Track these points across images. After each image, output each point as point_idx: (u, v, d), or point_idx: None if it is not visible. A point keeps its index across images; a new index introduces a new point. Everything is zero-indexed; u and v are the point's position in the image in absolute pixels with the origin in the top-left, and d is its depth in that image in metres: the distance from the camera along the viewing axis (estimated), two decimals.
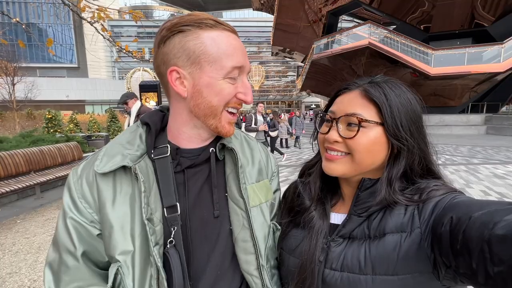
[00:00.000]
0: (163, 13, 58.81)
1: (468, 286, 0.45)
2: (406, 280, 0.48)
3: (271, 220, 0.66)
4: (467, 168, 6.61)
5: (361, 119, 0.54)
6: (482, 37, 14.49)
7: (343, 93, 0.61)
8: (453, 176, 5.77)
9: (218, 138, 0.64)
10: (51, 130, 7.89)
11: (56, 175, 4.55)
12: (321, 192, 0.64)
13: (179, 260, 0.53)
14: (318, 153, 0.68)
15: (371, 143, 0.55)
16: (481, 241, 0.36)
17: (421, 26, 16.86)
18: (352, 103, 0.57)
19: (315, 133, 0.68)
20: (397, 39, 14.20)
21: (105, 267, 0.56)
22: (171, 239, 0.54)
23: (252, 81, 49.32)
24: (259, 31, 53.47)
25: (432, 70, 13.56)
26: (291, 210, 0.67)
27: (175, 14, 56.94)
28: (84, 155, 5.77)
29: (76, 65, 41.87)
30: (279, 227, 0.67)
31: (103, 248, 0.55)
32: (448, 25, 15.72)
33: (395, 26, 16.63)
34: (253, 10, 26.41)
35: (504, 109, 16.73)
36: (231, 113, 0.59)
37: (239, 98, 0.57)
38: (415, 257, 0.47)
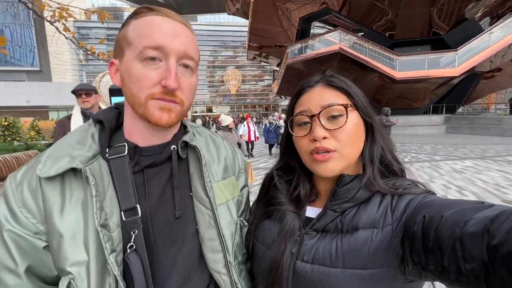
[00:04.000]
0: None
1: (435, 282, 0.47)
2: (374, 274, 0.49)
3: (238, 217, 0.65)
4: (430, 164, 7.13)
5: (346, 104, 0.55)
6: (439, 44, 15.84)
7: (306, 92, 0.61)
8: (418, 172, 6.20)
9: (179, 136, 0.61)
10: (8, 139, 7.23)
11: None
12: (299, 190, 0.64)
13: (141, 265, 0.49)
14: (280, 159, 0.69)
15: (355, 128, 0.56)
16: (453, 239, 0.38)
17: (386, 33, 18.02)
18: (322, 96, 0.57)
19: (284, 144, 0.68)
20: (366, 45, 15.03)
21: (53, 282, 0.50)
22: (131, 243, 0.50)
23: (229, 85, 49.29)
24: (235, 36, 53.63)
25: (397, 74, 14.51)
26: (267, 201, 0.67)
27: None
28: None
29: (38, 68, 38.88)
30: (246, 223, 0.66)
31: (51, 261, 0.49)
32: (410, 32, 16.98)
33: (363, 33, 17.60)
34: (228, 14, 26.51)
35: (460, 109, 18.33)
36: (160, 99, 0.52)
37: (162, 84, 0.50)
38: (385, 253, 0.49)
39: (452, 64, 13.95)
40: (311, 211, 0.61)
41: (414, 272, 0.46)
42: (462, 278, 0.37)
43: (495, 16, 16.42)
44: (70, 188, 0.50)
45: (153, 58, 0.50)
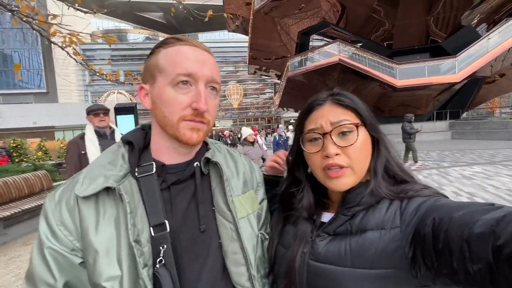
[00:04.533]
0: (138, 36, 58.87)
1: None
2: (382, 274, 0.50)
3: (259, 230, 0.67)
4: (438, 171, 7.02)
5: (356, 123, 0.58)
6: (438, 51, 16.02)
7: (315, 110, 0.63)
8: (427, 180, 6.09)
9: (202, 153, 0.64)
10: (16, 160, 7.33)
11: (22, 208, 4.18)
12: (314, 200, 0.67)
13: (171, 279, 0.51)
14: (288, 176, 0.72)
15: (364, 144, 0.59)
16: (461, 240, 0.38)
17: (385, 43, 18.32)
18: (333, 114, 0.60)
19: (293, 156, 0.71)
20: (365, 55, 15.28)
21: None
22: (161, 258, 0.52)
23: (231, 99, 49.95)
24: (235, 51, 55.00)
25: (398, 82, 14.62)
26: (284, 208, 0.70)
27: (150, 37, 57.19)
28: (54, 184, 5.38)
29: (45, 90, 40.01)
30: (267, 236, 0.68)
31: (86, 277, 0.51)
32: (408, 41, 17.24)
33: (361, 44, 17.92)
34: (228, 31, 27.32)
35: (464, 115, 18.25)
36: (190, 120, 0.56)
37: (193, 107, 0.55)
38: (392, 254, 0.50)
39: (452, 70, 14.05)
40: (326, 217, 0.65)
41: (427, 277, 0.47)
42: (469, 279, 0.37)
43: (492, 22, 16.67)
44: (104, 206, 0.52)
45: (185, 83, 0.55)
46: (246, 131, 4.60)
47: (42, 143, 10.37)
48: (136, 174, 0.56)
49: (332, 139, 0.58)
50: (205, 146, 0.69)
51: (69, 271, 0.51)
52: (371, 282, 0.51)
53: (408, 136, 7.75)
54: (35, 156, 8.75)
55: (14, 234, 4.13)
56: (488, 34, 13.64)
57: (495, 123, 14.88)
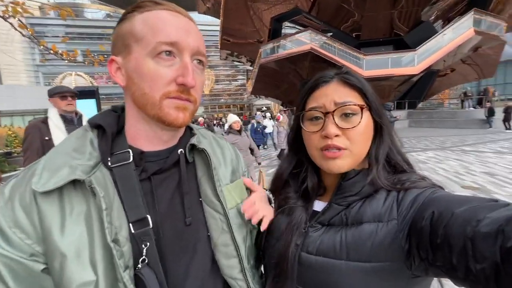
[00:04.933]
0: (97, 11, 53.34)
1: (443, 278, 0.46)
2: (378, 267, 0.49)
3: (247, 220, 0.64)
4: None
5: (362, 105, 0.55)
6: (400, 44, 17.02)
7: (320, 87, 0.59)
8: None
9: (185, 139, 0.58)
10: None
11: None
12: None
13: (156, 279, 0.46)
14: (289, 156, 0.69)
15: (366, 128, 0.56)
16: (463, 237, 0.37)
17: (353, 34, 18.95)
18: (338, 92, 0.57)
19: (292, 137, 0.67)
20: (335, 45, 15.67)
21: None
22: (144, 257, 0.47)
23: None
24: (207, 35, 52.74)
25: (364, 72, 15.31)
26: (278, 197, 0.68)
27: (112, 14, 52.20)
28: (4, 175, 4.81)
29: None
30: (256, 226, 0.65)
31: (51, 285, 0.44)
32: (374, 33, 18.03)
33: (332, 34, 18.32)
34: (199, 13, 25.97)
35: (420, 105, 19.88)
36: (176, 98, 0.49)
37: (178, 82, 0.48)
38: (389, 247, 0.48)
39: (412, 63, 15.07)
40: (318, 205, 0.63)
41: (421, 268, 0.46)
42: (471, 277, 0.36)
43: (447, 19, 18.06)
44: (70, 201, 0.45)
45: (168, 53, 0.47)
46: (232, 118, 4.01)
47: None
48: (109, 163, 0.49)
49: (334, 119, 0.55)
50: (189, 131, 0.63)
51: (29, 280, 0.43)
52: (365, 275, 0.50)
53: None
54: None
55: None
56: (444, 30, 14.77)
57: (445, 113, 16.52)
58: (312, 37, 15.83)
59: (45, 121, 2.30)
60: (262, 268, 0.70)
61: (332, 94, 0.57)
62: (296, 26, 22.08)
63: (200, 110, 52.73)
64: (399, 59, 15.44)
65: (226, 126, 4.18)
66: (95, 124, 0.52)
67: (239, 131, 4.01)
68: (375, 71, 15.35)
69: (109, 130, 0.52)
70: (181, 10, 0.51)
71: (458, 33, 14.22)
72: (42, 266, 0.44)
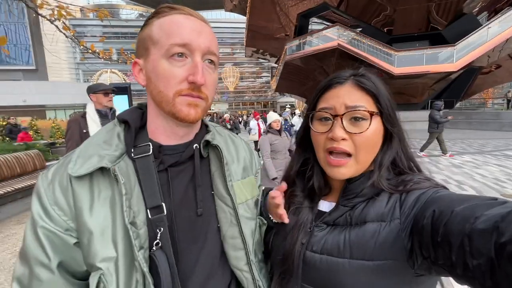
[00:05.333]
0: (131, 13, 56.27)
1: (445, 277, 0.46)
2: (381, 266, 0.50)
3: (257, 216, 0.67)
4: (429, 159, 7.18)
5: (371, 112, 0.54)
6: (437, 39, 15.85)
7: (333, 88, 0.59)
8: None
9: (201, 135, 0.62)
10: (7, 138, 7.18)
11: (15, 187, 4.15)
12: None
13: (167, 261, 0.50)
14: (297, 155, 0.69)
15: (375, 135, 0.56)
16: (462, 234, 0.38)
17: (385, 29, 17.98)
18: (350, 96, 0.56)
19: (301, 136, 0.67)
20: (364, 40, 15.01)
21: (83, 277, 0.52)
22: (157, 241, 0.51)
23: (227, 82, 49.05)
24: (232, 32, 53.28)
25: (396, 70, 14.52)
26: (287, 196, 0.69)
27: (144, 14, 54.73)
28: (47, 163, 5.33)
29: (34, 67, 38.48)
30: (265, 222, 0.68)
31: (81, 258, 0.51)
32: (408, 28, 16.95)
33: (361, 29, 17.55)
34: (226, 11, 26.30)
35: (458, 105, 18.39)
36: (187, 95, 0.53)
37: (189, 80, 0.52)
38: (392, 246, 0.49)
39: (450, 59, 13.98)
40: (324, 205, 0.63)
41: (424, 266, 0.46)
42: (468, 273, 0.37)
43: (493, 11, 16.43)
44: (98, 186, 0.51)
45: (180, 55, 0.52)
46: (272, 116, 3.67)
47: (33, 122, 10.14)
48: (133, 155, 0.54)
49: (342, 122, 0.55)
50: (205, 128, 0.67)
51: (64, 251, 0.50)
52: (368, 273, 0.50)
53: (436, 125, 7.39)
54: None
55: (8, 213, 4.13)
56: (489, 23, 13.47)
57: (487, 114, 15.10)
58: (340, 33, 15.30)
59: (83, 115, 2.55)
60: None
61: (344, 96, 0.57)
62: (324, 22, 21.49)
63: (224, 107, 53.62)
64: (435, 55, 14.39)
65: (267, 125, 3.73)
66: (122, 120, 0.59)
67: (279, 131, 3.63)
68: (408, 68, 14.47)
69: (133, 125, 0.58)
70: (194, 13, 0.55)
71: (506, 26, 12.89)
72: (74, 240, 0.50)
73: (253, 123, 8.42)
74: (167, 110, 0.54)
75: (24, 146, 5.64)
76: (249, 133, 8.20)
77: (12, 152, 4.88)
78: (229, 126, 12.96)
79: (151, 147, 0.56)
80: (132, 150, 0.55)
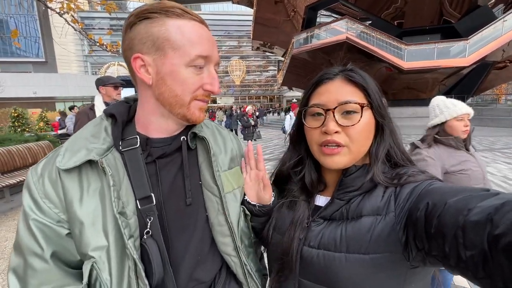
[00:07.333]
0: (139, 5, 56.12)
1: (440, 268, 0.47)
2: (377, 259, 0.51)
3: (241, 204, 0.69)
4: None
5: (362, 104, 0.56)
6: (450, 33, 15.35)
7: (324, 83, 0.61)
8: None
9: (188, 128, 0.64)
10: (18, 129, 7.38)
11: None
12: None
13: (158, 249, 0.53)
14: (290, 150, 0.71)
15: (366, 127, 0.57)
16: (455, 226, 0.38)
17: (395, 22, 17.52)
18: (341, 90, 0.58)
19: (295, 130, 0.69)
20: (373, 34, 14.65)
21: (77, 266, 0.55)
22: (148, 229, 0.54)
23: (233, 76, 48.85)
24: (239, 25, 52.72)
25: (405, 64, 14.18)
26: (282, 192, 0.71)
27: None
28: None
29: (44, 59, 39.01)
30: (248, 212, 0.69)
31: (73, 247, 0.53)
32: (419, 21, 16.47)
33: (370, 22, 17.14)
34: (233, 3, 25.98)
35: (469, 100, 17.93)
36: (201, 100, 0.58)
37: (206, 89, 0.57)
38: (387, 239, 0.50)
39: (462, 53, 13.56)
40: (320, 200, 0.65)
41: (418, 258, 0.47)
42: (461, 264, 0.38)
43: (510, 3, 15.78)
44: (87, 178, 0.53)
45: (201, 66, 0.56)
46: None
47: (44, 114, 10.36)
48: (120, 147, 0.56)
49: (334, 116, 0.57)
50: None
51: (56, 241, 0.52)
52: (365, 267, 0.51)
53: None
54: (37, 127, 8.79)
55: (20, 201, 4.26)
56: (504, 16, 12.96)
57: (499, 110, 14.72)
58: (348, 26, 14.97)
59: (92, 107, 2.59)
60: (265, 261, 0.74)
61: (335, 91, 0.58)
62: (333, 15, 21.06)
63: (230, 100, 53.54)
64: (446, 50, 13.98)
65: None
66: (109, 114, 0.60)
67: None
68: (418, 62, 14.11)
69: (120, 118, 0.59)
70: (203, 20, 0.58)
71: None
72: (66, 231, 0.53)
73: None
74: (178, 112, 0.57)
75: (35, 137, 5.79)
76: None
77: (24, 143, 5.03)
78: (252, 123, 10.36)
79: (138, 140, 0.57)
80: (120, 143, 0.57)
